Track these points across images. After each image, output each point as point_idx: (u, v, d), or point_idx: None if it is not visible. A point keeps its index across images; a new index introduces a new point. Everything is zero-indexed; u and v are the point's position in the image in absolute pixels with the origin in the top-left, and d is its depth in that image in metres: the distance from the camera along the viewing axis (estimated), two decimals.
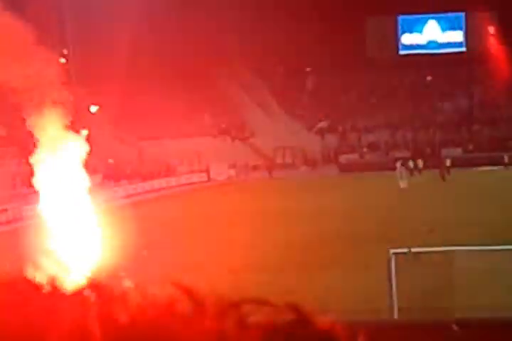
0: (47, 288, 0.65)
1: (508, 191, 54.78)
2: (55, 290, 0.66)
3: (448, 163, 78.99)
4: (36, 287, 0.67)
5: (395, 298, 27.64)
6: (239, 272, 33.58)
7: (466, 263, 31.34)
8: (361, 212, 51.54)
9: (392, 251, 28.79)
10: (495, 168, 77.28)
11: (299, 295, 29.65)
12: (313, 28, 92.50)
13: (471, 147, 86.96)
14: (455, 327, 24.42)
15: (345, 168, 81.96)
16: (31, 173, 18.02)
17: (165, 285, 0.60)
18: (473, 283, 29.65)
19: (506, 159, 79.15)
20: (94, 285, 0.69)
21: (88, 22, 74.59)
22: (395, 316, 27.11)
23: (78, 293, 0.66)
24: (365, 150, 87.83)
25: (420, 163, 78.76)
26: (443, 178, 72.54)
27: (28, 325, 0.60)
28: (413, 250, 30.28)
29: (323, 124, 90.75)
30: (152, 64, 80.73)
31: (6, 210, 58.83)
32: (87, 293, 0.66)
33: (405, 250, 29.84)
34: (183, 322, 0.58)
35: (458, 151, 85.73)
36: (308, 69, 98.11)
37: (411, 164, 76.48)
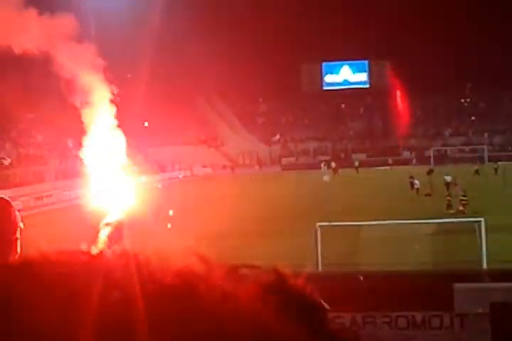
0: (89, 256, 0.60)
1: (392, 184, 54.93)
2: (96, 257, 0.60)
3: (356, 164, 79.14)
4: (79, 256, 0.61)
5: (319, 257, 27.61)
6: (207, 238, 33.23)
7: (369, 233, 31.62)
8: (296, 197, 51.48)
9: (318, 224, 28.71)
10: (387, 167, 76.86)
11: (253, 255, 29.44)
12: (267, 71, 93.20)
13: (371, 153, 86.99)
14: (361, 278, 24.12)
15: (285, 168, 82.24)
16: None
17: (179, 252, 0.65)
18: (374, 247, 29.72)
19: (390, 161, 79.67)
20: (125, 252, 0.62)
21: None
22: (319, 269, 26.86)
23: (117, 259, 0.59)
24: (291, 159, 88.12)
25: (336, 164, 78.78)
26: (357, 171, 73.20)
27: (74, 291, 0.53)
28: (332, 224, 30.29)
29: (276, 138, 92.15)
30: (153, 94, 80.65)
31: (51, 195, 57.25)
32: (123, 258, 0.60)
33: (327, 223, 29.74)
34: (201, 281, 0.55)
35: (363, 156, 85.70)
36: (260, 99, 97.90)
37: (332, 165, 76.52)
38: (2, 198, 3.65)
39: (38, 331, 0.50)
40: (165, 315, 0.49)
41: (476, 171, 66.79)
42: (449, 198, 43.27)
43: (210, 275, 0.56)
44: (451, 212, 40.29)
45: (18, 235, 3.48)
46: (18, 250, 3.42)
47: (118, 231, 3.99)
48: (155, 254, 0.60)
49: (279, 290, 0.53)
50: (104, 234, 3.81)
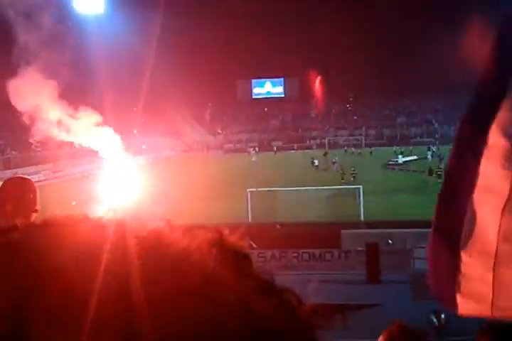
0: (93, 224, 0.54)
1: (299, 162, 54.88)
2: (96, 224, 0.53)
3: (275, 149, 79.17)
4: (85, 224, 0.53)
5: (249, 212, 27.52)
6: (167, 202, 33.06)
7: (283, 196, 31.55)
8: (233, 171, 51.38)
9: (248, 190, 28.68)
10: (295, 151, 76.73)
11: (203, 213, 29.32)
12: (214, 84, 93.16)
13: (285, 141, 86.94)
14: (278, 226, 24.18)
15: (226, 152, 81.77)
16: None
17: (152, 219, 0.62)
18: (287, 205, 29.30)
19: (297, 147, 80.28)
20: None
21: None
22: (250, 221, 26.90)
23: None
24: (230, 145, 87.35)
25: (260, 148, 78.76)
26: (275, 154, 73.13)
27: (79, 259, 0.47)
28: (258, 189, 30.26)
29: (219, 131, 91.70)
30: (133, 101, 79.54)
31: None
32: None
33: (254, 189, 29.73)
34: (167, 237, 0.53)
35: (279, 143, 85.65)
36: (209, 104, 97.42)
37: (257, 149, 76.50)
38: (28, 179, 3.47)
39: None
40: (142, 266, 0.47)
41: (359, 153, 67.80)
42: (341, 171, 43.28)
43: (173, 234, 0.53)
44: (343, 181, 40.12)
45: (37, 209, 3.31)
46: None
47: None
48: (134, 219, 0.58)
49: (219, 244, 0.51)
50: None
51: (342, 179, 41.08)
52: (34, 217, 3.22)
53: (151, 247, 0.49)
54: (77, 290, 0.43)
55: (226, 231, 0.55)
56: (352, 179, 40.97)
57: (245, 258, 0.54)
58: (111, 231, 0.51)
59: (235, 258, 0.53)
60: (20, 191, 3.25)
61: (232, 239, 0.44)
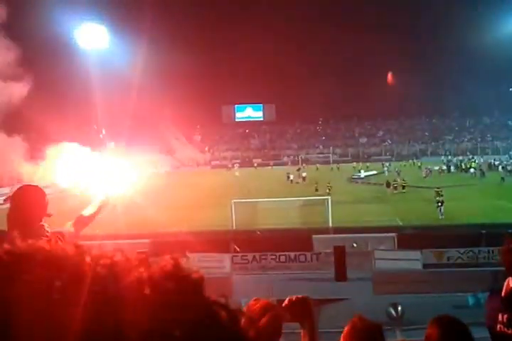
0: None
1: (276, 177, 54.92)
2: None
3: (255, 165, 79.26)
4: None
5: (233, 220, 27.42)
6: (163, 210, 32.88)
7: (263, 206, 31.45)
8: (219, 184, 51.21)
9: (233, 200, 28.58)
10: (273, 167, 76.77)
11: (193, 220, 29.24)
12: (202, 109, 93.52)
13: (264, 158, 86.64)
14: (258, 232, 24.19)
15: (213, 167, 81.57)
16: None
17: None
18: (266, 214, 29.42)
19: (274, 163, 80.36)
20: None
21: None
22: (234, 228, 26.80)
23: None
24: (217, 162, 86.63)
25: (242, 165, 78.64)
26: (256, 169, 72.81)
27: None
28: (241, 200, 30.20)
29: (206, 149, 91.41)
30: (134, 124, 79.61)
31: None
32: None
33: (238, 200, 29.68)
34: (121, 269, 0.52)
35: (259, 160, 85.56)
36: (198, 126, 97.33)
37: (239, 165, 76.41)
38: (38, 187, 3.29)
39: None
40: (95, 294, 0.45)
41: (332, 169, 67.91)
42: (316, 185, 42.43)
43: (128, 265, 0.52)
44: (318, 193, 39.20)
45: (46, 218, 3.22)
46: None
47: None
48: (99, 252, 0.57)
49: (171, 276, 0.52)
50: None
51: (316, 191, 40.52)
52: (46, 220, 3.17)
53: (105, 276, 0.47)
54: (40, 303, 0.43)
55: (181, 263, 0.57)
56: (328, 191, 40.36)
57: (195, 287, 0.54)
58: (70, 262, 0.49)
59: (186, 291, 0.52)
60: (33, 197, 3.13)
61: (184, 267, 0.57)
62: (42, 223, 3.12)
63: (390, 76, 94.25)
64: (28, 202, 3.08)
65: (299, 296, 2.45)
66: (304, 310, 2.44)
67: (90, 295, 0.45)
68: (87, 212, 3.58)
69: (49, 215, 3.20)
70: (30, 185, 3.30)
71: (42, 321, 0.42)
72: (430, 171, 54.66)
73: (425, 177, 51.92)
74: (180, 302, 0.50)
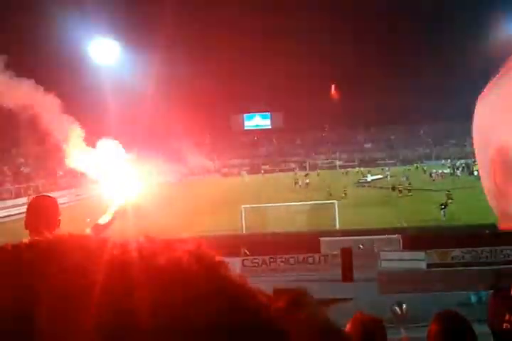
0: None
1: (284, 182, 54.81)
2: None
3: (263, 171, 79.25)
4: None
5: (243, 225, 27.47)
6: (178, 215, 32.98)
7: (272, 211, 31.42)
8: (229, 191, 51.32)
9: (242, 206, 28.66)
10: (280, 173, 76.21)
11: (205, 225, 29.30)
12: (212, 119, 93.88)
13: (271, 165, 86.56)
14: (268, 236, 24.27)
15: (223, 175, 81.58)
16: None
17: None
18: (275, 218, 29.33)
19: (282, 169, 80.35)
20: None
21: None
22: (244, 232, 26.88)
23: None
24: (226, 169, 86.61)
25: (251, 172, 78.58)
26: (263, 176, 72.73)
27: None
28: (251, 206, 30.27)
29: (215, 158, 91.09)
30: (145, 136, 79.89)
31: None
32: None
33: (248, 206, 29.72)
34: (143, 251, 0.51)
35: (267, 167, 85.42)
36: (207, 135, 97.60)
37: (248, 172, 76.45)
38: (51, 197, 3.43)
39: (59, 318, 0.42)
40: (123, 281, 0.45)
41: (343, 173, 67.03)
42: (328, 189, 41.88)
43: (153, 247, 0.52)
44: (331, 197, 37.77)
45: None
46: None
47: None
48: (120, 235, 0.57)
49: (196, 255, 0.51)
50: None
51: (330, 195, 39.66)
52: (58, 226, 3.26)
53: (136, 259, 0.47)
54: (77, 290, 0.42)
55: (204, 243, 0.57)
56: (343, 195, 40.34)
57: (219, 267, 0.54)
58: (106, 247, 0.49)
59: (212, 264, 0.53)
60: (46, 206, 3.25)
61: (206, 249, 0.56)
62: (56, 231, 3.15)
63: (391, 83, 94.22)
64: (41, 211, 3.19)
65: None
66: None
67: (117, 283, 0.45)
68: (103, 220, 3.66)
69: (59, 221, 3.29)
70: (44, 195, 3.43)
71: (72, 310, 0.42)
72: (439, 175, 54.52)
73: (434, 180, 51.86)
74: (209, 288, 0.49)
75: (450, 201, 32.90)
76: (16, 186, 54.41)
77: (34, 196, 3.40)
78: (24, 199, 41.32)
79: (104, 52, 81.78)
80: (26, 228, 3.16)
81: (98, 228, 3.56)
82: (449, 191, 34.94)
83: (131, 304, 0.43)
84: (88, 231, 3.46)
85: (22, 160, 61.55)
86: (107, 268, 0.45)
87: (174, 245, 0.53)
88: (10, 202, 47.23)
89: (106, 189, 3.92)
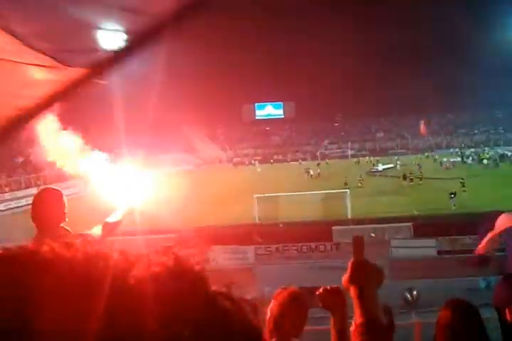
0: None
1: (296, 172, 54.79)
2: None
3: (275, 161, 79.12)
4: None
5: (256, 213, 27.53)
6: (192, 205, 33.13)
7: (284, 200, 31.38)
8: (242, 180, 51.33)
9: (255, 195, 28.73)
10: (292, 162, 76.40)
11: (219, 215, 29.44)
12: (223, 109, 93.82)
13: (283, 154, 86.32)
14: (281, 225, 24.40)
15: (235, 164, 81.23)
16: None
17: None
18: (288, 208, 29.40)
19: (292, 158, 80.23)
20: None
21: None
22: (257, 221, 26.99)
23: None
24: (238, 159, 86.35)
25: (263, 161, 78.56)
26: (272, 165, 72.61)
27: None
28: (264, 195, 30.28)
29: (227, 147, 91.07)
30: (157, 125, 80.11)
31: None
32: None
33: (261, 195, 29.76)
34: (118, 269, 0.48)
35: (280, 156, 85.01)
36: (219, 125, 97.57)
37: (260, 162, 76.35)
38: (56, 190, 3.35)
39: (53, 329, 0.42)
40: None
41: (357, 162, 66.19)
42: (345, 179, 41.19)
43: (127, 264, 0.49)
44: (347, 186, 37.51)
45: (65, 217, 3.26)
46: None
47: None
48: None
49: (174, 273, 0.48)
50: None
51: (345, 184, 39.11)
52: (64, 219, 3.24)
53: (102, 279, 0.45)
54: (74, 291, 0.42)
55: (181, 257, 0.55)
56: (360, 184, 40.71)
57: (199, 276, 0.52)
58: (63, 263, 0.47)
59: (190, 280, 0.50)
60: (54, 198, 3.22)
61: (185, 261, 0.54)
62: (62, 224, 3.18)
63: (405, 73, 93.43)
64: (45, 203, 3.17)
65: (334, 286, 2.44)
66: (337, 301, 2.41)
67: (84, 304, 0.43)
68: (112, 219, 3.56)
69: (65, 213, 3.25)
70: (49, 188, 3.37)
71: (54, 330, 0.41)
72: (450, 164, 54.24)
73: (447, 168, 51.69)
74: (185, 299, 0.47)
75: (464, 189, 33.06)
76: (26, 176, 54.44)
77: (40, 189, 3.33)
78: (34, 190, 41.52)
79: (112, 40, 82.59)
80: (33, 221, 3.13)
81: (108, 227, 3.49)
82: (462, 179, 35.02)
83: (93, 329, 0.41)
84: (98, 229, 3.40)
85: (30, 149, 61.32)
86: (73, 288, 0.44)
87: (149, 260, 0.50)
88: (20, 193, 47.10)
89: (112, 188, 3.70)
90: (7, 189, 50.82)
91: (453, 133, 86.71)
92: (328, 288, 2.49)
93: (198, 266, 0.54)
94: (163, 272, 0.48)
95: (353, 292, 1.58)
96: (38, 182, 51.41)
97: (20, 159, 60.36)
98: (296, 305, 2.64)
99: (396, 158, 61.91)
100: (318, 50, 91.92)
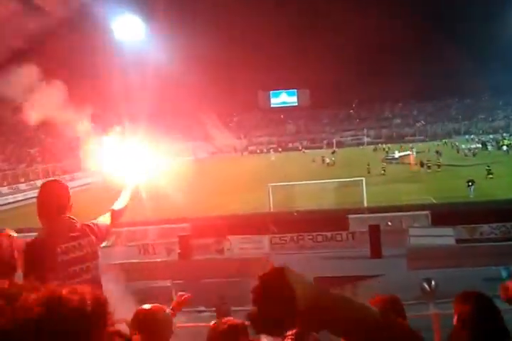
0: None
1: (311, 160, 54.52)
2: None
3: (291, 149, 78.90)
4: None
5: (271, 203, 27.54)
6: (208, 194, 33.17)
7: (299, 188, 31.36)
8: (256, 168, 51.37)
9: (270, 184, 28.67)
10: (308, 150, 75.66)
11: (233, 203, 29.49)
12: (238, 97, 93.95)
13: (299, 142, 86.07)
14: (295, 213, 24.33)
15: (250, 153, 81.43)
16: None
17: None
18: (303, 196, 29.31)
19: (309, 146, 79.75)
20: None
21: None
22: (271, 210, 26.97)
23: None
24: (253, 147, 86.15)
25: (278, 149, 78.38)
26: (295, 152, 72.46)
27: None
28: (278, 184, 30.24)
29: (242, 136, 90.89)
30: (176, 113, 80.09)
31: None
32: None
33: (274, 184, 29.71)
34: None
35: (294, 144, 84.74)
36: (234, 113, 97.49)
37: (275, 150, 76.20)
38: (61, 183, 3.39)
39: None
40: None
41: (374, 149, 66.27)
42: (368, 167, 41.27)
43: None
44: (369, 174, 38.44)
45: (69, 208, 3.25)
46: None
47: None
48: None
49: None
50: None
51: (368, 172, 39.28)
52: (70, 211, 3.25)
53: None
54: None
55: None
56: (383, 172, 40.49)
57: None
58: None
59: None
60: (58, 190, 3.23)
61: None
62: (68, 215, 3.22)
63: (421, 57, 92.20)
64: (51, 197, 3.19)
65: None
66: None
67: None
68: (118, 205, 3.61)
69: (71, 205, 3.27)
70: (54, 180, 3.41)
71: None
72: (471, 150, 53.64)
73: (466, 155, 51.13)
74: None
75: (490, 176, 32.81)
76: (43, 166, 55.00)
77: (45, 181, 3.35)
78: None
79: (129, 28, 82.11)
80: (38, 212, 3.17)
81: (115, 214, 3.51)
82: (488, 166, 34.65)
83: None
84: (106, 217, 3.45)
85: (50, 140, 61.60)
86: None
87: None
88: (39, 183, 47.61)
89: (117, 172, 3.79)
90: (22, 179, 51.43)
91: (472, 118, 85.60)
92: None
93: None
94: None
95: None
96: (57, 172, 51.93)
97: (36, 149, 60.90)
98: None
99: (410, 145, 61.33)
100: (332, 35, 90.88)
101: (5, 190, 47.58)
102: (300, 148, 79.11)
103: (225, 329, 2.67)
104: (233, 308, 11.25)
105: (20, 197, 42.90)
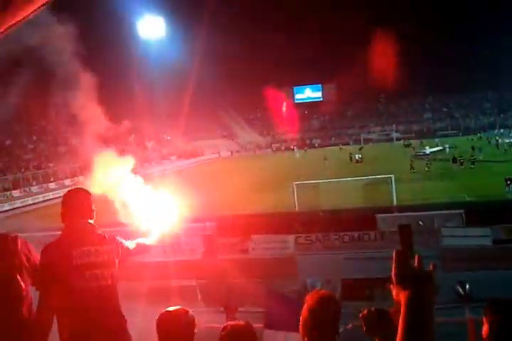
0: None
1: (338, 157, 54.20)
2: None
3: (316, 145, 78.66)
4: None
5: (296, 201, 27.48)
6: (232, 193, 33.22)
7: (325, 187, 31.27)
8: (281, 167, 51.38)
9: (294, 183, 28.61)
10: (334, 147, 75.35)
11: (258, 201, 29.45)
12: (260, 94, 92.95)
13: (324, 138, 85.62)
14: (321, 213, 24.13)
15: (274, 150, 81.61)
16: None
17: None
18: (329, 194, 29.06)
19: (336, 143, 79.12)
20: None
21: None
22: (297, 209, 26.87)
23: None
24: (277, 144, 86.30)
25: (303, 146, 78.24)
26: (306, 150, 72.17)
27: None
28: (303, 182, 30.16)
29: (264, 133, 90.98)
30: (196, 111, 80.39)
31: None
32: None
33: (299, 182, 29.62)
34: None
35: (320, 141, 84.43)
36: (258, 110, 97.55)
37: (300, 147, 76.08)
38: (85, 190, 3.54)
39: None
40: None
41: (406, 145, 65.22)
42: (411, 161, 41.52)
43: None
44: (413, 170, 39.24)
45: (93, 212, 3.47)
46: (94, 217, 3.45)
47: None
48: None
49: None
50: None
51: (411, 168, 39.64)
52: (93, 217, 3.45)
53: None
54: None
55: None
56: (427, 168, 39.90)
57: None
58: None
59: None
60: (82, 199, 3.42)
61: None
62: (89, 220, 3.41)
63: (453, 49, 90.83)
64: (75, 204, 3.39)
65: (380, 308, 2.34)
66: (382, 325, 2.31)
67: None
68: (147, 241, 3.87)
69: (93, 211, 3.47)
70: (78, 188, 3.56)
71: None
72: (510, 145, 52.54)
73: (505, 150, 50.14)
74: None
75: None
76: (71, 165, 55.89)
77: (69, 190, 3.53)
78: (79, 179, 42.63)
79: (151, 28, 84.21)
80: (62, 218, 3.39)
81: (140, 248, 3.74)
82: None
83: None
84: (132, 244, 3.64)
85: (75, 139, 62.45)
86: None
87: None
88: (67, 182, 49.45)
89: (145, 216, 4.03)
90: (52, 178, 52.83)
91: (508, 111, 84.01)
92: (373, 309, 2.35)
93: None
94: None
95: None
96: (85, 172, 52.57)
97: (64, 148, 61.82)
98: (325, 310, 2.49)
99: (438, 140, 60.47)
100: (359, 28, 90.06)
101: (35, 188, 49.66)
102: (326, 144, 78.69)
103: (231, 332, 2.69)
104: (251, 309, 11.13)
105: (50, 195, 44.46)
